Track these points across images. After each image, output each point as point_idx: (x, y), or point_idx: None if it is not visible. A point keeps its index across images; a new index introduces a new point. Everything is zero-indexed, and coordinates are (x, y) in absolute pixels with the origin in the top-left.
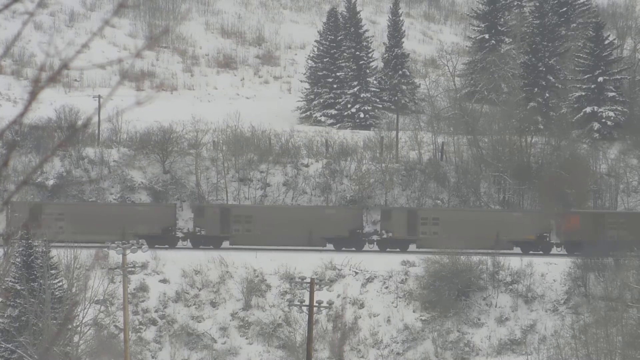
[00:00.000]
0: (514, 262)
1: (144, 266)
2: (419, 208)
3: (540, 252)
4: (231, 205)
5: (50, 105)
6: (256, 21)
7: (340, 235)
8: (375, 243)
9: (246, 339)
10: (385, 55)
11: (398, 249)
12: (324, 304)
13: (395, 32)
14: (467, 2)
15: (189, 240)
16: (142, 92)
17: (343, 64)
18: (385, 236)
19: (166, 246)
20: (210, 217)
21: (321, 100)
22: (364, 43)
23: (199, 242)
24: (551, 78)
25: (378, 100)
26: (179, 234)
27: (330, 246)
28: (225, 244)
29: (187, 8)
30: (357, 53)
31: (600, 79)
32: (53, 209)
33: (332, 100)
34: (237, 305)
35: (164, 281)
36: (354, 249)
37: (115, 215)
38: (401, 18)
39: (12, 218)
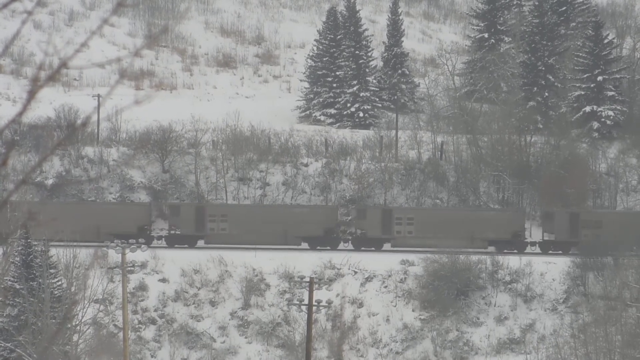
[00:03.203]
0: (513, 261)
1: (143, 265)
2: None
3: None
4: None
5: (49, 104)
6: (256, 20)
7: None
8: (350, 242)
9: (245, 338)
10: (384, 55)
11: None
12: (323, 303)
13: (395, 31)
14: (466, 1)
15: (163, 239)
16: (142, 91)
17: (342, 63)
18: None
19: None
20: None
21: (320, 99)
22: (364, 42)
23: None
24: (550, 77)
25: (377, 99)
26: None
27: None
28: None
29: (187, 7)
30: (357, 52)
31: (600, 78)
32: (217, 210)
33: (332, 100)
34: (236, 305)
35: (163, 280)
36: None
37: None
38: (401, 17)
39: (11, 217)
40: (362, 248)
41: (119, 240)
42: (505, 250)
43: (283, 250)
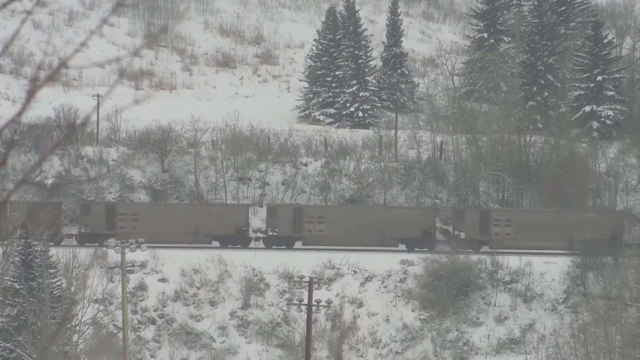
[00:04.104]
0: (512, 261)
1: (142, 265)
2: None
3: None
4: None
5: (49, 104)
6: (255, 20)
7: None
8: (261, 240)
9: (245, 338)
10: (384, 54)
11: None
12: (323, 303)
13: (394, 31)
14: (466, 1)
15: (261, 240)
16: (141, 91)
17: (342, 63)
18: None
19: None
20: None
21: (320, 99)
22: (363, 42)
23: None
24: (550, 77)
25: (377, 99)
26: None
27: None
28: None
29: (186, 7)
30: (356, 52)
31: (599, 77)
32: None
33: (331, 99)
34: (236, 305)
35: (163, 280)
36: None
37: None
38: (400, 17)
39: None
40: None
41: (217, 242)
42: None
43: (283, 250)
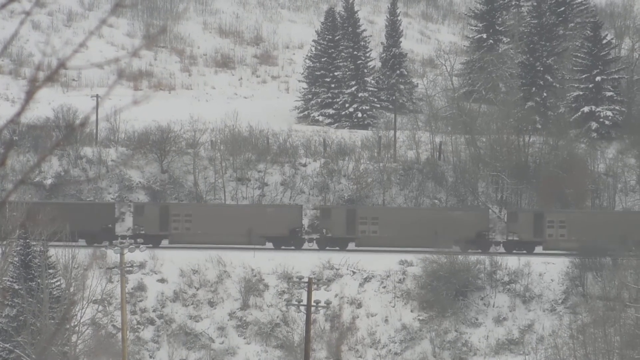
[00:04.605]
0: (511, 261)
1: (141, 266)
2: (358, 206)
3: (292, 247)
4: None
5: (48, 104)
6: (254, 21)
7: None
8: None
9: (244, 338)
10: (383, 55)
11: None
12: (322, 304)
13: (393, 31)
14: (465, 2)
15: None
16: (140, 91)
17: (341, 64)
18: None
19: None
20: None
21: (319, 99)
22: (362, 43)
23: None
24: (549, 77)
25: (376, 99)
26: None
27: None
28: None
29: (185, 7)
30: (355, 53)
31: (598, 78)
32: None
33: (330, 100)
34: (234, 305)
35: (162, 281)
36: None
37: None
38: (399, 18)
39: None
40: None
41: (270, 243)
42: (282, 247)
43: (283, 250)
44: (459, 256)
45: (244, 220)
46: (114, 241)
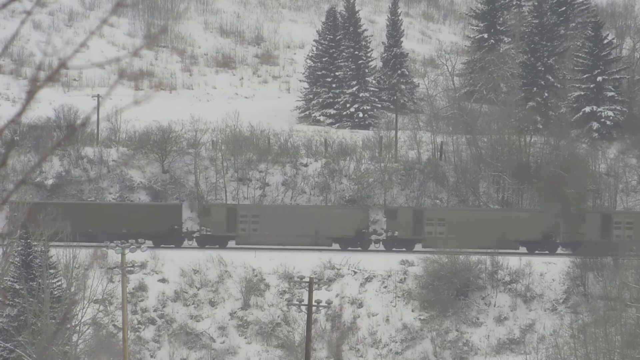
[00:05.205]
0: (512, 261)
1: (142, 265)
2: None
3: (359, 249)
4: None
5: (49, 104)
6: (255, 20)
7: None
8: (381, 242)
9: (245, 338)
10: (384, 55)
11: (404, 249)
12: (323, 304)
13: (394, 31)
14: (466, 2)
15: (381, 242)
16: (141, 91)
17: (342, 64)
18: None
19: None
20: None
21: (320, 99)
22: (363, 42)
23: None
24: (550, 78)
25: (377, 99)
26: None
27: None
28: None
29: (186, 7)
30: (356, 53)
31: (599, 78)
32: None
33: (331, 100)
34: (235, 305)
35: (163, 280)
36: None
37: None
38: (400, 17)
39: (11, 217)
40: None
41: (337, 244)
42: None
43: (283, 250)
44: (460, 256)
45: (310, 221)
46: (182, 242)
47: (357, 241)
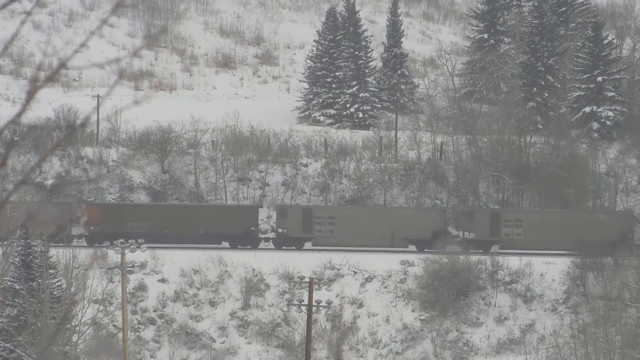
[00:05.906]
0: (513, 261)
1: (142, 266)
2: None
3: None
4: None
5: (49, 104)
6: (255, 21)
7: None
8: (270, 241)
9: (245, 338)
10: (384, 55)
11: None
12: (323, 304)
13: (394, 31)
14: (466, 2)
15: (270, 241)
16: (141, 91)
17: (342, 64)
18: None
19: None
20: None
21: (320, 100)
22: (363, 43)
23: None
24: (550, 78)
25: (377, 100)
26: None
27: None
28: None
29: (186, 7)
30: (356, 53)
31: (600, 78)
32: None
33: (331, 100)
34: (236, 305)
35: (163, 281)
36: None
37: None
38: (400, 18)
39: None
40: (283, 247)
41: (413, 246)
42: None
43: (283, 250)
44: (460, 256)
45: (387, 222)
46: (258, 244)
47: (434, 242)
